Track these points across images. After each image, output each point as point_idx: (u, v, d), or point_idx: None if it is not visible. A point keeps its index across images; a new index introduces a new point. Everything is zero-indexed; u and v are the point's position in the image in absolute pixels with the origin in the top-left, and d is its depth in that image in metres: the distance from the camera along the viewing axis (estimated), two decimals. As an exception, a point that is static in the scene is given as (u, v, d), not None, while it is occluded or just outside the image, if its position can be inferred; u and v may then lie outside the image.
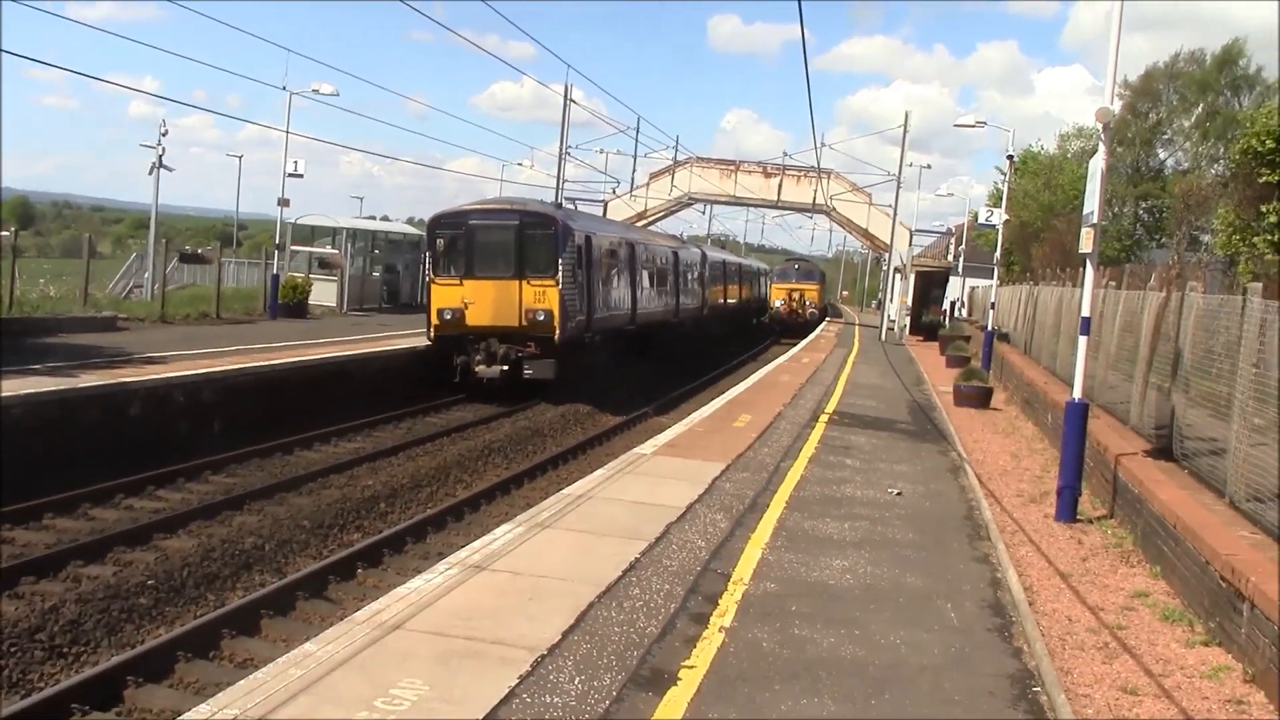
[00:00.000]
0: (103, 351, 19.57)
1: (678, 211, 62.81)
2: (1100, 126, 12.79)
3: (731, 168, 59.06)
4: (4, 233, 28.37)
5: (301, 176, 36.03)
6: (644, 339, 33.77)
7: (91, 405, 15.51)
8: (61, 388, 15.29)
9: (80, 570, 11.05)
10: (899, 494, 13.34)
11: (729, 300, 54.12)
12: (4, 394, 14.28)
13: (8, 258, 26.31)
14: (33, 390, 14.78)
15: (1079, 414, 12.97)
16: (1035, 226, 51.14)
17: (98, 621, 9.65)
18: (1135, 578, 10.38)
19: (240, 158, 77.26)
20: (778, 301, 61.25)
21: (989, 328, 34.81)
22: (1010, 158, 40.37)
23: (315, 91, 34.31)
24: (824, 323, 59.79)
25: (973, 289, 57.47)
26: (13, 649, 8.89)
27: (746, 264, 68.74)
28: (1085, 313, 13.06)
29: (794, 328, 55.70)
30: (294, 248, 37.71)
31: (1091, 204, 12.78)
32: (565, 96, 43.71)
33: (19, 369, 16.28)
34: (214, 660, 9.28)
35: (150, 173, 42.60)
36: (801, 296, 60.55)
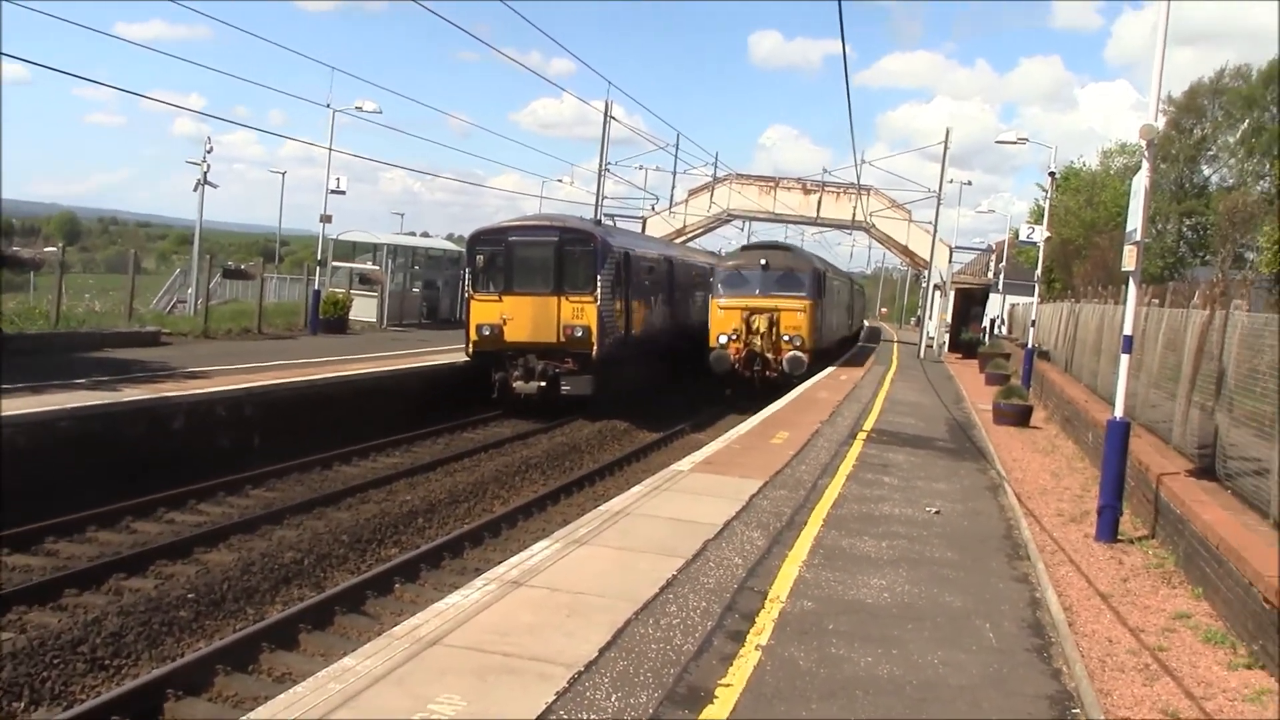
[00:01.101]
0: (146, 366, 19.83)
1: (716, 228, 62.73)
2: (1144, 143, 12.69)
3: (770, 184, 58.92)
4: (51, 249, 28.76)
5: (344, 193, 36.33)
6: (681, 355, 33.80)
7: (135, 419, 15.71)
8: (105, 401, 15.49)
9: (122, 583, 11.21)
10: (937, 512, 13.27)
11: None
12: (49, 408, 14.50)
13: (55, 273, 26.75)
14: (77, 404, 15.00)
15: (1120, 433, 12.85)
16: (1077, 244, 50.83)
17: (139, 634, 9.76)
18: (1177, 599, 10.26)
19: (283, 174, 77.67)
20: (722, 337, 31.21)
21: (1029, 345, 34.55)
22: (1052, 174, 40.05)
23: (358, 109, 34.60)
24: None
25: (1013, 306, 57.17)
26: (55, 661, 9.01)
27: None
28: (1127, 331, 12.94)
29: (752, 386, 30.57)
30: (335, 264, 38.07)
31: (1134, 221, 12.67)
32: (605, 113, 43.87)
33: (63, 383, 16.52)
34: (253, 674, 9.36)
35: (195, 189, 43.06)
36: (772, 327, 31.00)
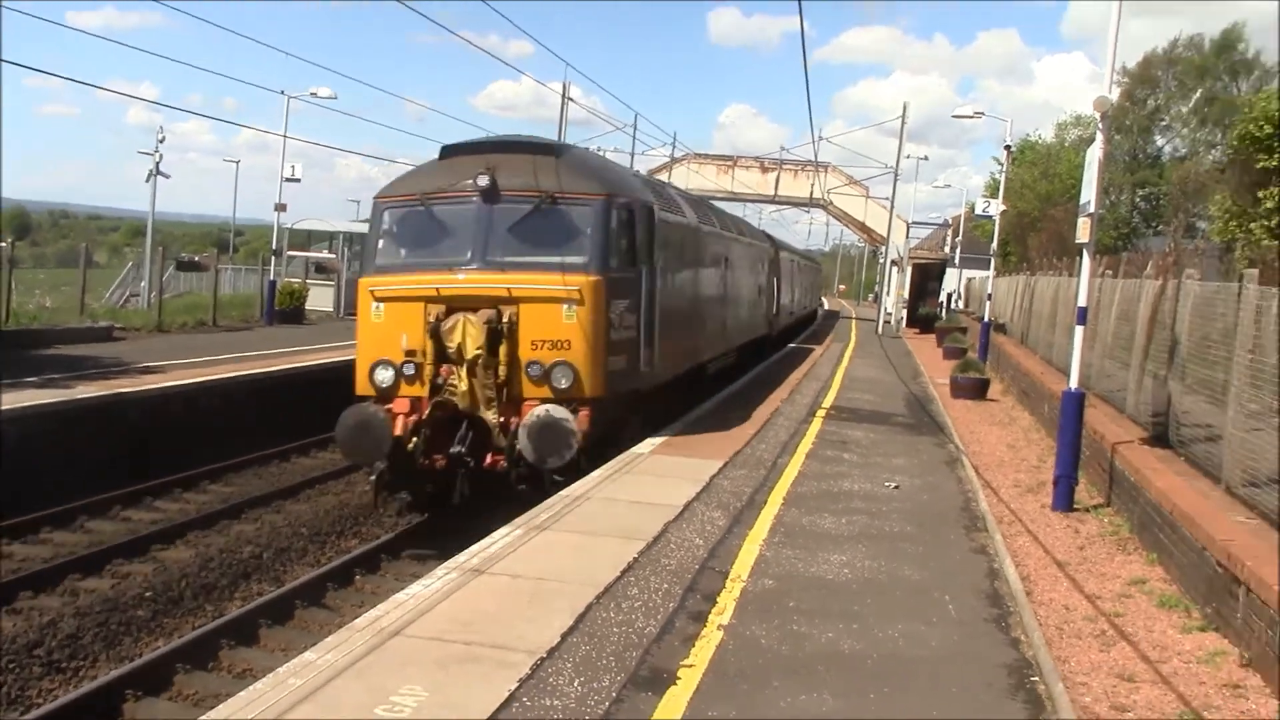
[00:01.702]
0: (100, 362, 19.57)
1: (673, 209, 62.71)
2: (1098, 115, 12.78)
3: (729, 163, 58.99)
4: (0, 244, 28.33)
5: (299, 181, 35.81)
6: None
7: (88, 417, 15.50)
8: (57, 400, 15.28)
9: (78, 584, 11.06)
10: (896, 487, 13.34)
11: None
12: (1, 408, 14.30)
13: (4, 270, 26.31)
14: (29, 403, 14.78)
15: (1075, 403, 12.97)
16: (1032, 216, 51.25)
17: (96, 635, 9.67)
18: (1132, 565, 10.39)
19: (237, 163, 77.17)
20: (382, 371, 13.65)
21: (985, 319, 34.81)
22: (1008, 147, 40.36)
23: (313, 94, 34.16)
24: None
25: (969, 280, 57.50)
26: (11, 665, 8.90)
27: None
28: (1082, 302, 13.04)
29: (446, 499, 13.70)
30: (290, 253, 37.72)
31: (1088, 193, 12.77)
32: (564, 95, 43.64)
33: (13, 382, 16.27)
34: (213, 671, 9.29)
35: (147, 180, 42.55)
36: (500, 345, 13.29)
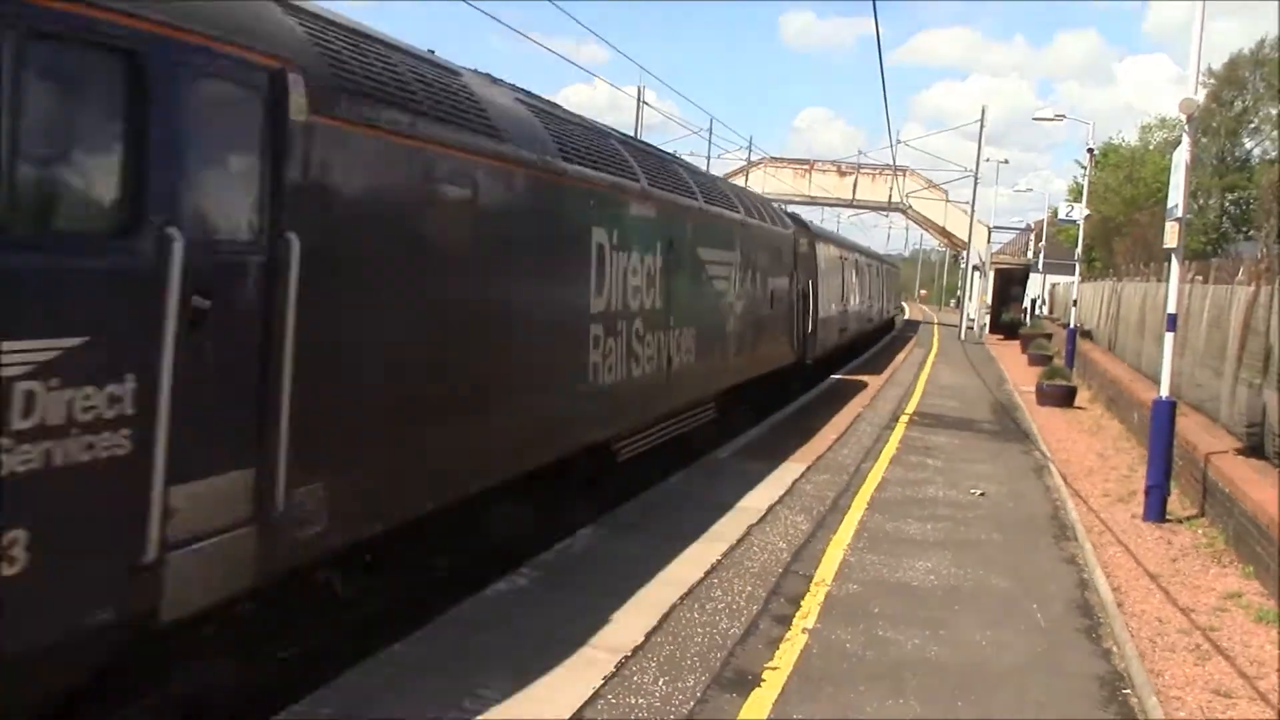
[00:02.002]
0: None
1: (752, 213, 62.49)
2: (1184, 118, 12.56)
3: (806, 167, 58.73)
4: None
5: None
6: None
7: None
8: None
9: None
10: (982, 494, 13.20)
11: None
12: None
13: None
14: None
15: (1166, 412, 12.72)
16: (1117, 221, 50.35)
17: None
18: (1227, 578, 10.16)
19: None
20: None
21: (1071, 325, 34.26)
22: (1090, 151, 39.73)
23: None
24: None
25: (1054, 286, 56.71)
26: None
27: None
28: (1171, 309, 12.81)
29: None
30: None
31: (1175, 197, 12.54)
32: (638, 100, 43.80)
33: None
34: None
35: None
36: None
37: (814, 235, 26.02)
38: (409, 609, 7.80)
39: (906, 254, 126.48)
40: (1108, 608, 8.86)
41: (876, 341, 41.21)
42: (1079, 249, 37.90)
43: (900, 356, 35.04)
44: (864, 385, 24.87)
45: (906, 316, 74.33)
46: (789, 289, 21.40)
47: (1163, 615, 8.90)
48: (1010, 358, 37.25)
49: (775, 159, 59.46)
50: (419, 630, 7.27)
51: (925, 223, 59.65)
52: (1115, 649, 7.95)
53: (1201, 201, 51.69)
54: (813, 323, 23.64)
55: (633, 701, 6.37)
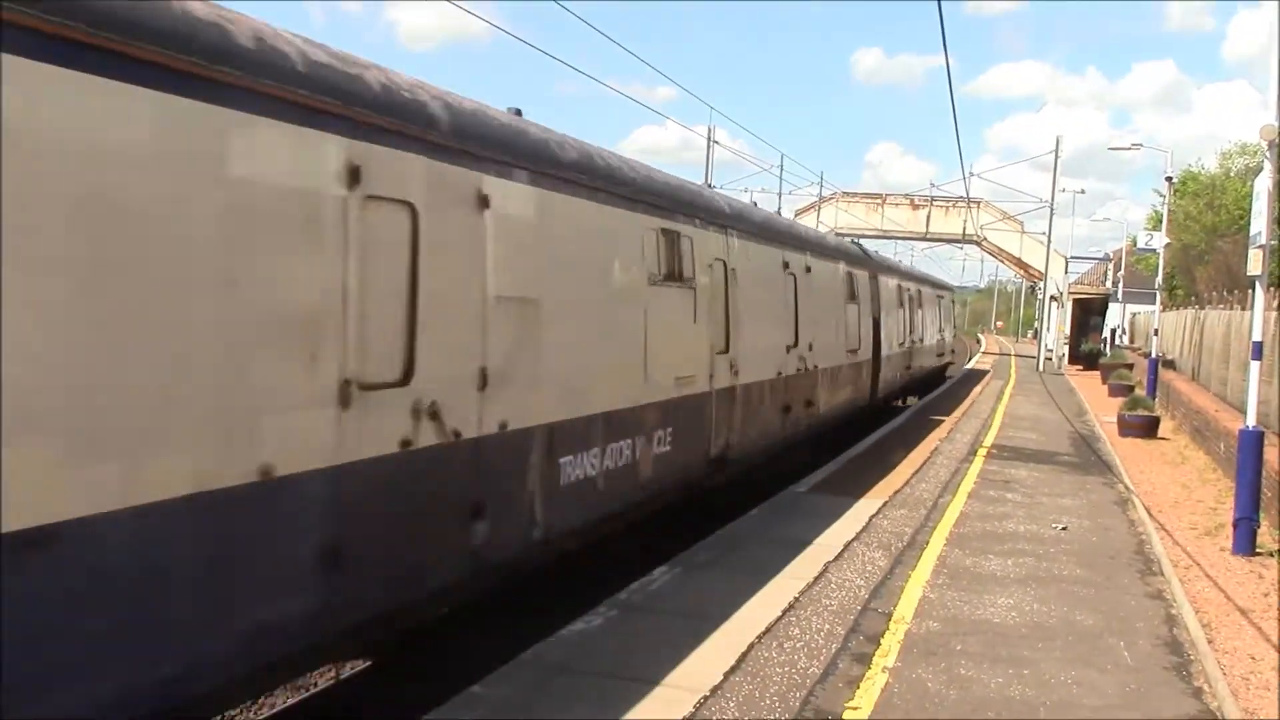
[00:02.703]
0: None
1: (824, 247, 62.17)
2: (1265, 144, 12.33)
3: (878, 201, 58.38)
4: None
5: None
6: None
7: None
8: None
9: None
10: (1064, 529, 12.97)
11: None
12: None
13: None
14: None
15: (1254, 442, 12.43)
16: (1198, 249, 49.37)
17: None
18: (1323, 613, 9.87)
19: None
20: None
21: (1153, 355, 33.63)
22: (1169, 179, 39.04)
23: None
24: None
25: (1134, 315, 55.71)
26: None
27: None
28: (1256, 336, 12.54)
29: None
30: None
31: (1258, 224, 12.32)
32: (709, 139, 43.98)
33: None
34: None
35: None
36: None
37: (876, 267, 25.08)
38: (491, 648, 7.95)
39: (982, 286, 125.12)
40: (1198, 645, 8.65)
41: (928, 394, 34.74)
42: (1159, 277, 37.23)
43: (976, 389, 34.59)
44: (940, 419, 24.59)
45: (982, 349, 72.39)
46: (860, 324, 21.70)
47: (1256, 652, 8.66)
48: (1090, 388, 36.63)
49: (848, 194, 59.20)
50: (500, 668, 7.31)
51: (1001, 254, 58.88)
52: (1207, 687, 7.75)
53: (1285, 227, 50.58)
54: (813, 399, 18.36)
55: (712, 741, 6.34)
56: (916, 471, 16.63)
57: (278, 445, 5.86)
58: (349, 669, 9.66)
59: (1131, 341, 54.08)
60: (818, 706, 6.97)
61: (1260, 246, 12.27)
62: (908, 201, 58.18)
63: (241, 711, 9.15)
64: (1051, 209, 50.40)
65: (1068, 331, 53.41)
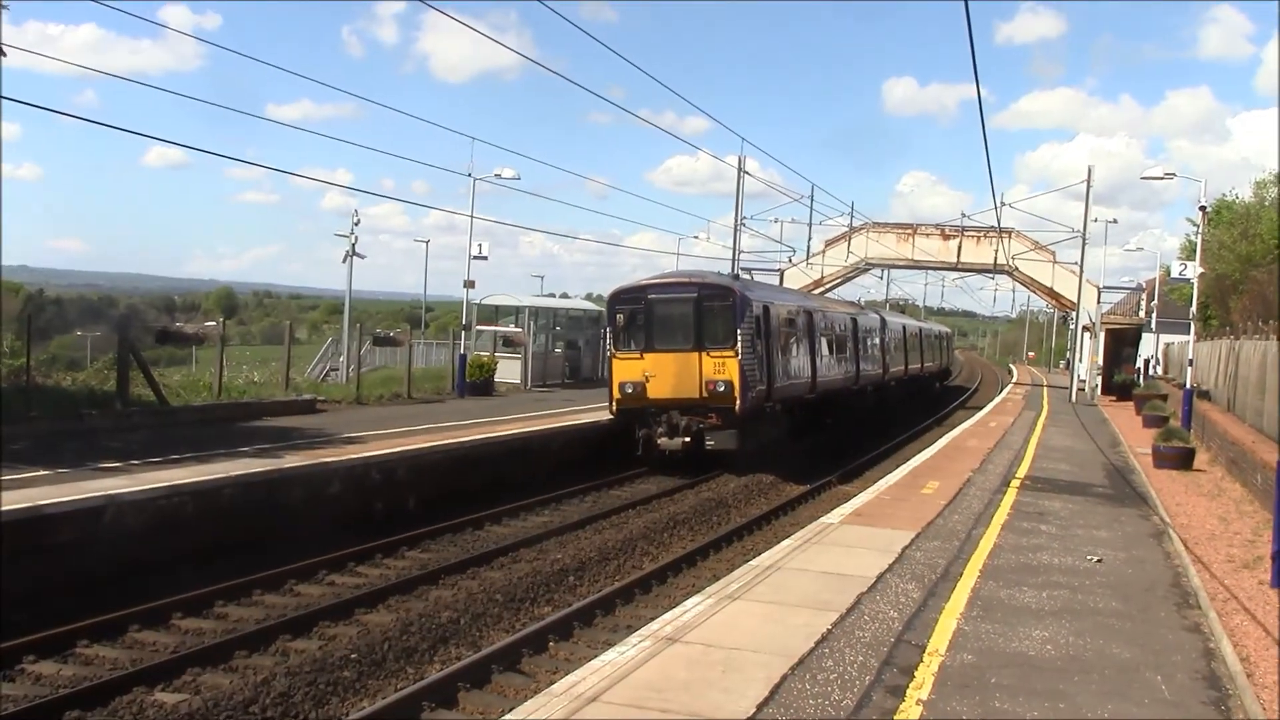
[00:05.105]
0: (304, 433, 20.51)
1: (855, 278, 62.12)
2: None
3: (909, 231, 58.22)
4: (212, 323, 30.07)
5: (486, 258, 37.00)
6: (824, 407, 33.38)
7: (295, 484, 16.26)
8: (268, 469, 16.07)
9: (288, 644, 11.54)
10: (1099, 561, 12.86)
11: (910, 365, 51.96)
12: (216, 476, 15.13)
13: (216, 346, 28.01)
14: (242, 471, 15.59)
15: (1292, 474, 12.30)
16: (1233, 279, 48.96)
17: (306, 694, 10.03)
18: (1364, 648, 9.73)
19: (427, 242, 79.87)
20: None
21: (1187, 385, 33.33)
22: (1203, 208, 38.76)
23: (498, 176, 35.37)
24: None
25: (1167, 346, 55.26)
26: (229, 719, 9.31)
27: (928, 328, 63.65)
28: (1293, 367, 12.44)
29: None
30: (479, 327, 38.87)
31: (1294, 253, 12.24)
32: (739, 169, 44.13)
33: (228, 451, 17.20)
34: (416, 732, 9.50)
35: (344, 260, 44.65)
36: None
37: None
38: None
39: (1014, 316, 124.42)
40: (1236, 679, 8.55)
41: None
42: (1193, 307, 36.94)
43: (1009, 420, 34.39)
44: (971, 449, 24.46)
45: (1014, 380, 72.04)
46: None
47: (1296, 687, 8.55)
48: (1124, 419, 36.35)
49: (878, 224, 59.12)
50: (530, 701, 7.31)
51: (1032, 284, 58.50)
52: (1246, 722, 7.66)
53: (1321, 256, 50.10)
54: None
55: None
56: (949, 503, 16.54)
57: None
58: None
59: (1165, 372, 53.62)
60: (851, 739, 6.94)
61: (1296, 276, 12.19)
62: (939, 231, 57.99)
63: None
64: (1084, 238, 50.16)
65: (1100, 362, 52.99)
